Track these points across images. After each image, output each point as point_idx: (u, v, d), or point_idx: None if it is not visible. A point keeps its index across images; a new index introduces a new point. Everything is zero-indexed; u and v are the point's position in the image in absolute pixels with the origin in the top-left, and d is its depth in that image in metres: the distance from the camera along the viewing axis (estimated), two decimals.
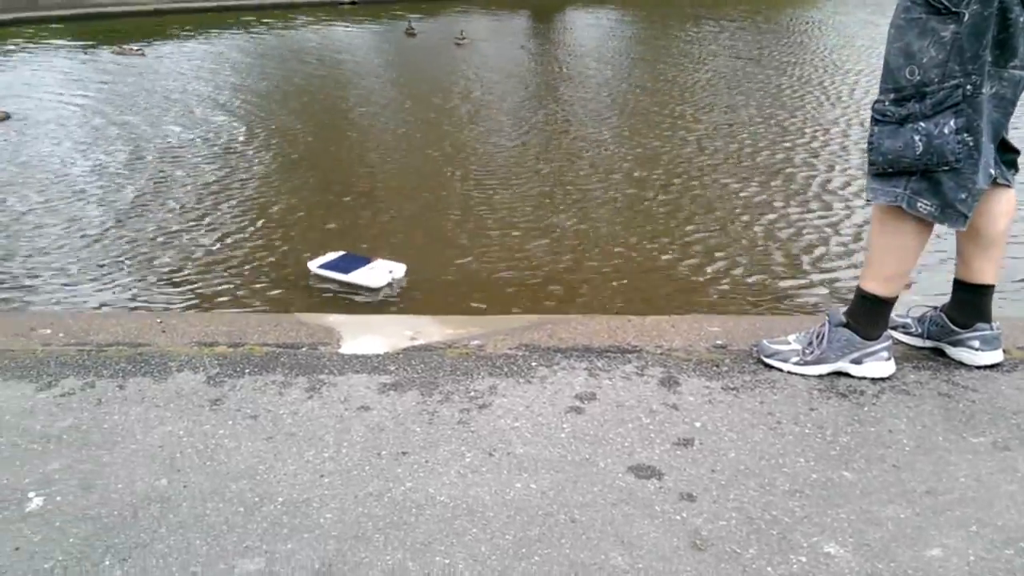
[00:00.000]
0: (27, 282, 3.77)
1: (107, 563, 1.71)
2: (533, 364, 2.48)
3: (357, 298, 3.66)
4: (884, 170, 2.20)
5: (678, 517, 1.81)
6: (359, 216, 4.72)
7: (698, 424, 2.15)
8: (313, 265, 3.90)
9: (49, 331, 2.82)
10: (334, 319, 2.95)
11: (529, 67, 9.70)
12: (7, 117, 6.96)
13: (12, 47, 10.12)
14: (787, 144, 6.04)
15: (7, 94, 7.95)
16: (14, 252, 4.14)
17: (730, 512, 1.82)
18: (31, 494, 1.94)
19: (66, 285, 3.74)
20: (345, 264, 3.89)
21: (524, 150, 6.03)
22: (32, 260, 4.05)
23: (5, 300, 3.57)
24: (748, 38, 11.38)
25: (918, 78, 2.09)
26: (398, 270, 3.84)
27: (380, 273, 3.78)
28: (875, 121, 2.21)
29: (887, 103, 2.17)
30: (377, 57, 10.82)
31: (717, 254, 4.01)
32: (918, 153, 2.11)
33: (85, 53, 9.84)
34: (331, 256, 3.98)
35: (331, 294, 3.72)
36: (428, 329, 2.82)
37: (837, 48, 10.67)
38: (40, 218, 4.67)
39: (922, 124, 2.10)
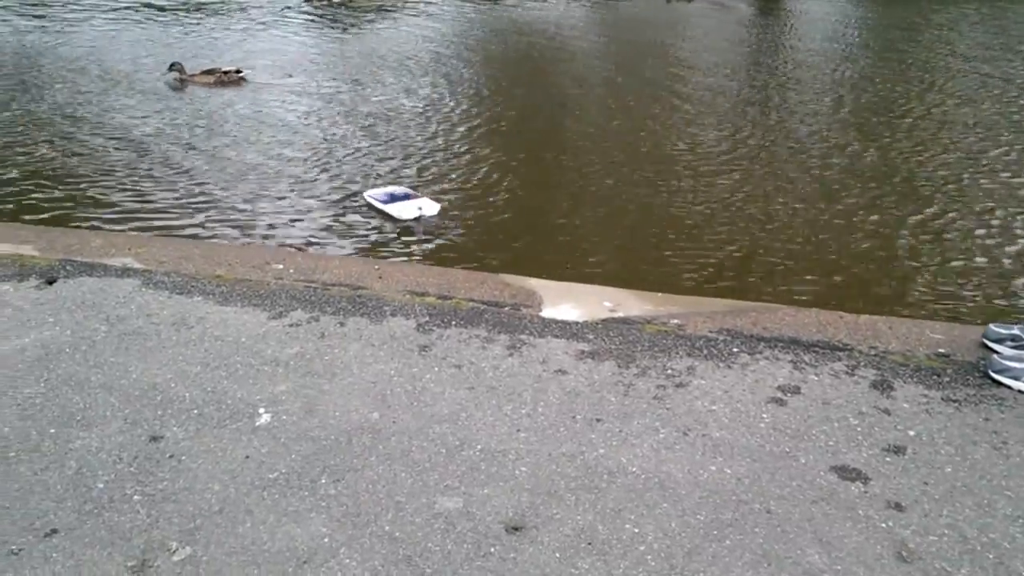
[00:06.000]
0: (264, 219, 4.12)
1: (323, 481, 1.87)
2: (735, 350, 2.43)
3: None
4: None
5: (883, 525, 1.72)
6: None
7: (912, 433, 2.02)
8: (366, 193, 4.22)
9: (281, 266, 3.08)
10: (535, 283, 3.02)
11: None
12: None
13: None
14: None
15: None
16: (251, 192, 4.53)
17: (942, 528, 1.71)
18: (261, 410, 2.15)
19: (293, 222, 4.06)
20: (389, 196, 4.15)
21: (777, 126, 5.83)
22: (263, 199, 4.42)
23: (248, 234, 3.92)
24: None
25: None
26: (430, 208, 4.01)
27: (410, 208, 3.98)
28: None
29: None
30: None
31: (950, 254, 3.71)
32: None
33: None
34: (386, 189, 4.27)
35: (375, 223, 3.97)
36: (627, 302, 2.82)
37: None
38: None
39: None
